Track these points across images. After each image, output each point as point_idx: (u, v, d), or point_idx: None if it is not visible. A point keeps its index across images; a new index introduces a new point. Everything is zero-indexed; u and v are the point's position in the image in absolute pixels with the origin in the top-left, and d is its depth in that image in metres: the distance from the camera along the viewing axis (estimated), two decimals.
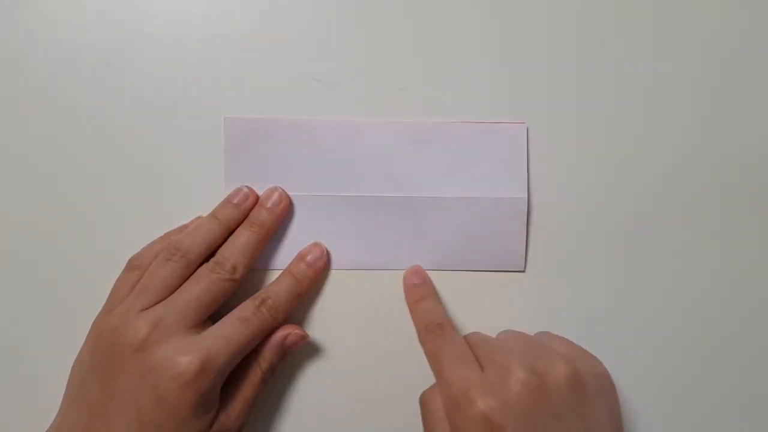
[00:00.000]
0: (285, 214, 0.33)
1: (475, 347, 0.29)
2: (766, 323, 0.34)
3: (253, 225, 0.31)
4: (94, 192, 0.33)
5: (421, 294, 0.32)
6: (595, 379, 0.27)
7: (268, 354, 0.31)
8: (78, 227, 0.33)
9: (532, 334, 0.31)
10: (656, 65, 0.34)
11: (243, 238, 0.31)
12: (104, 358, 0.28)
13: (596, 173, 0.34)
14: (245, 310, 0.30)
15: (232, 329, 0.29)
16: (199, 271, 0.30)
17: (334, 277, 0.34)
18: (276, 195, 0.32)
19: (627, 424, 0.33)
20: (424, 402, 0.29)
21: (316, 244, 0.33)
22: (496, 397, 0.25)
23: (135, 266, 0.31)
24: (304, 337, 0.31)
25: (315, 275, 0.32)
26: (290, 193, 0.33)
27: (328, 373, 0.33)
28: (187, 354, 0.27)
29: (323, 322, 0.33)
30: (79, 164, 0.33)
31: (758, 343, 0.34)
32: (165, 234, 0.32)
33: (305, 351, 0.33)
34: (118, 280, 0.31)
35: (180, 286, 0.29)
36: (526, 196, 0.33)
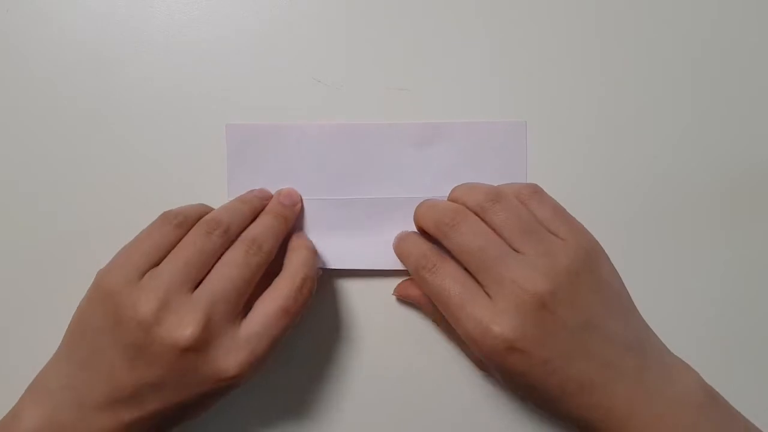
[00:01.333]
0: (299, 211, 0.33)
1: (469, 260, 0.28)
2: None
3: (278, 215, 0.31)
4: (96, 200, 0.33)
5: (399, 237, 0.32)
6: (592, 258, 0.29)
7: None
8: (79, 234, 0.33)
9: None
10: (657, 64, 0.34)
11: (270, 221, 0.30)
12: (126, 334, 0.26)
13: (596, 172, 0.34)
14: (233, 252, 0.28)
15: (222, 276, 0.27)
16: (236, 254, 0.28)
17: (338, 278, 0.34)
18: (294, 193, 0.33)
19: None
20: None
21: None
22: (510, 326, 0.26)
23: (179, 224, 0.28)
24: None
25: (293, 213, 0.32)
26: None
27: (334, 375, 0.33)
28: (237, 356, 0.26)
29: (327, 323, 0.34)
30: (80, 171, 0.33)
31: (759, 344, 0.34)
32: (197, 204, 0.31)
33: (308, 349, 0.33)
34: (152, 229, 0.28)
35: (215, 262, 0.28)
36: None
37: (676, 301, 0.34)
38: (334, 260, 0.33)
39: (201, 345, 0.25)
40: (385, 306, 0.34)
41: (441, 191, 0.33)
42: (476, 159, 0.34)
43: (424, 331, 0.34)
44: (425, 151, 0.33)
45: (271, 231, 0.30)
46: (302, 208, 0.33)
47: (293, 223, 0.32)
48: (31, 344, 0.33)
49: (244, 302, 0.27)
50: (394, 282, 0.33)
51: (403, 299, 0.33)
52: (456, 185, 0.32)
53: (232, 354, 0.26)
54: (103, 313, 0.26)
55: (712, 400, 0.27)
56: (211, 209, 0.31)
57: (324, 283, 0.34)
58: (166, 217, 0.29)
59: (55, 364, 0.28)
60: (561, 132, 0.34)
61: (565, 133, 0.34)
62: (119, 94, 0.33)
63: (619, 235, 0.34)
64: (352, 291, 0.34)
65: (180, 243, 0.28)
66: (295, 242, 0.31)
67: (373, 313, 0.34)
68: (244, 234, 0.29)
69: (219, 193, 0.33)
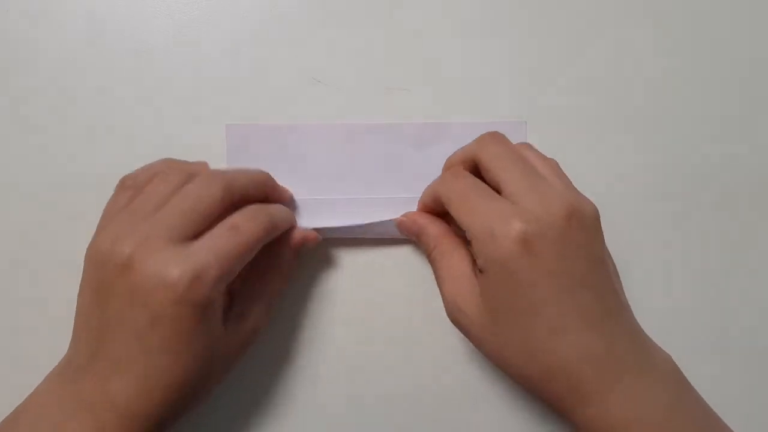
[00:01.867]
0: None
1: (503, 166, 0.28)
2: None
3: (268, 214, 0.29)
4: (96, 200, 0.33)
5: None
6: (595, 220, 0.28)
7: (287, 254, 0.30)
8: (77, 234, 0.33)
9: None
10: (657, 64, 0.34)
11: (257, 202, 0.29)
12: (96, 284, 0.25)
13: (596, 172, 0.34)
14: (236, 216, 0.27)
15: (219, 237, 0.26)
16: (187, 186, 0.27)
17: (339, 277, 0.34)
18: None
19: None
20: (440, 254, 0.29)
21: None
22: (536, 223, 0.25)
23: (128, 186, 0.28)
24: (317, 239, 0.32)
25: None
26: (293, 197, 0.33)
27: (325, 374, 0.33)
28: (177, 266, 0.24)
29: (326, 319, 0.34)
30: (80, 171, 0.33)
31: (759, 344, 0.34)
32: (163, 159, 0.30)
33: (301, 341, 0.33)
34: (108, 202, 0.29)
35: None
36: None
37: (676, 299, 0.34)
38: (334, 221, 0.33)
39: (137, 261, 0.24)
40: (384, 299, 0.34)
41: None
42: None
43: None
44: (425, 151, 0.33)
45: (253, 185, 0.29)
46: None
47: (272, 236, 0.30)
48: (28, 349, 0.33)
49: (198, 227, 0.26)
50: (394, 280, 0.34)
51: (404, 228, 0.32)
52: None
53: (172, 264, 0.24)
54: (86, 280, 0.26)
55: (685, 385, 0.27)
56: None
57: (323, 279, 0.34)
58: (120, 183, 0.29)
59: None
60: (561, 132, 0.34)
61: (565, 133, 0.34)
62: (119, 93, 0.33)
63: (620, 234, 0.34)
64: (352, 285, 0.34)
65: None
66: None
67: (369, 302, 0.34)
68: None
69: None
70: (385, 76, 0.34)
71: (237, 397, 0.33)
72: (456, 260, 0.29)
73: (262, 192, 0.30)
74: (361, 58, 0.34)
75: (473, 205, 0.27)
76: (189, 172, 0.28)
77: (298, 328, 0.33)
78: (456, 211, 0.28)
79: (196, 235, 0.26)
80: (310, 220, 0.33)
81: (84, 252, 0.27)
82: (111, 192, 0.32)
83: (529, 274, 0.25)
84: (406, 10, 0.34)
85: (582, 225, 0.26)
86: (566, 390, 0.25)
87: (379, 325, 0.34)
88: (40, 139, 0.33)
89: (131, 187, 0.28)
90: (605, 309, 0.26)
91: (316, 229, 0.32)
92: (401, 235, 0.33)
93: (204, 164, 0.31)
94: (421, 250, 0.33)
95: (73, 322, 0.27)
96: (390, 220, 0.33)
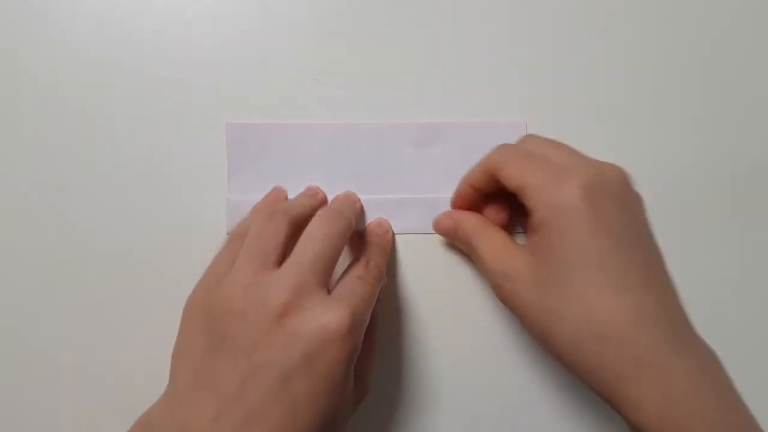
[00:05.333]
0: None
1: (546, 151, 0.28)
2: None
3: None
4: (96, 200, 0.33)
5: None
6: None
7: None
8: (79, 233, 0.33)
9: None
10: (657, 64, 0.34)
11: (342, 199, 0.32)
12: (228, 334, 0.24)
13: None
14: (357, 269, 0.28)
15: (354, 285, 0.27)
16: (310, 227, 0.27)
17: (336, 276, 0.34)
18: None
19: None
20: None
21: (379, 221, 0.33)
22: (595, 176, 0.25)
23: (238, 235, 0.28)
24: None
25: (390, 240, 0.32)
26: (293, 196, 0.33)
27: None
28: (336, 310, 0.24)
29: None
30: (79, 170, 0.33)
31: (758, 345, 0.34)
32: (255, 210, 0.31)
33: None
34: (218, 254, 0.28)
35: (288, 244, 0.27)
36: None
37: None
38: None
39: (294, 308, 0.24)
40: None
41: (441, 191, 0.33)
42: (476, 159, 0.33)
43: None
44: (425, 151, 0.33)
45: (348, 201, 0.32)
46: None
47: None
48: (31, 350, 0.33)
49: (332, 270, 0.27)
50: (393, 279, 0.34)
51: (441, 225, 0.32)
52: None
53: (328, 308, 0.24)
54: (202, 331, 0.25)
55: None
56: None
57: None
58: (230, 236, 0.29)
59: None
60: (561, 132, 0.34)
61: (565, 133, 0.34)
62: (119, 93, 0.33)
63: None
64: None
65: (247, 237, 0.27)
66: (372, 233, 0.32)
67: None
68: (321, 210, 0.29)
69: (219, 192, 0.33)
70: (385, 76, 0.34)
71: None
72: (497, 238, 0.29)
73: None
74: (361, 59, 0.34)
75: (533, 163, 0.27)
76: (284, 210, 0.28)
77: None
78: (514, 169, 0.27)
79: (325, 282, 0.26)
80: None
81: None
82: (110, 190, 0.32)
83: (591, 223, 0.24)
84: (406, 10, 0.34)
85: (632, 190, 0.27)
86: (618, 357, 0.23)
87: (384, 323, 0.34)
88: (40, 138, 0.33)
89: (240, 236, 0.28)
90: (660, 278, 0.25)
91: None
92: (403, 233, 0.33)
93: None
94: (459, 244, 0.32)
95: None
96: (392, 220, 0.33)
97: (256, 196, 0.33)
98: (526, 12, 0.34)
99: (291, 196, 0.33)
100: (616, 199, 0.26)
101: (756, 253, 0.34)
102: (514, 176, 0.27)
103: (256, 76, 0.34)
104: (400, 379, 0.33)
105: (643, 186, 0.34)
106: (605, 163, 0.27)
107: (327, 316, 0.24)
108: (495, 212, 0.31)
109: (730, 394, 0.24)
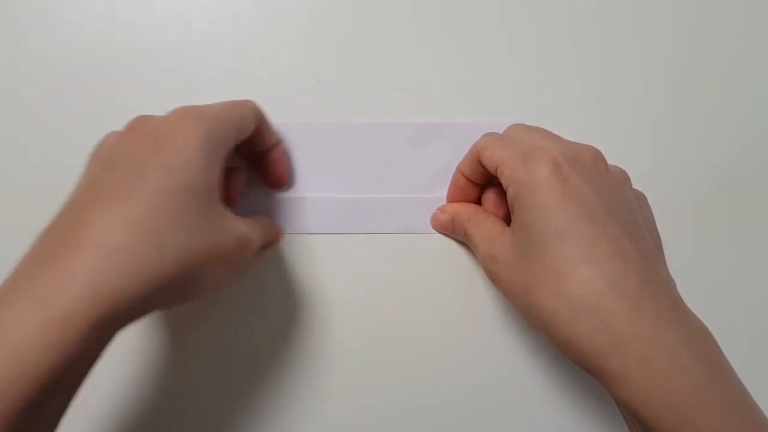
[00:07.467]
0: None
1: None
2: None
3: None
4: None
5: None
6: None
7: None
8: None
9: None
10: (658, 64, 0.34)
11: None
12: (113, 156, 0.27)
13: None
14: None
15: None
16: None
17: (336, 276, 0.34)
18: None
19: None
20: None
21: None
22: (565, 152, 0.26)
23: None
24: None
25: None
26: (292, 196, 0.33)
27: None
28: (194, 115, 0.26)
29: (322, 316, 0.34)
30: (79, 171, 0.34)
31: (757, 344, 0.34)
32: None
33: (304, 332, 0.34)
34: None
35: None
36: None
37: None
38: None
39: (162, 123, 0.26)
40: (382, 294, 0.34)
41: (439, 191, 0.33)
42: None
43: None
44: (424, 151, 0.34)
45: None
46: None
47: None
48: None
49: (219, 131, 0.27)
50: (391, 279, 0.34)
51: (437, 220, 0.33)
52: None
53: (186, 115, 0.26)
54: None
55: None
56: None
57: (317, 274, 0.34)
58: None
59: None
60: (561, 132, 0.34)
61: (565, 134, 0.34)
62: (118, 93, 0.34)
63: None
64: (348, 285, 0.34)
65: None
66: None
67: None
68: None
69: None
70: (384, 75, 0.34)
71: (230, 395, 0.33)
72: (490, 224, 0.30)
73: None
74: (361, 58, 0.34)
75: (508, 144, 0.28)
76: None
77: (295, 326, 0.34)
78: (492, 150, 0.28)
79: None
80: (307, 218, 0.33)
81: None
82: None
83: (559, 196, 0.25)
84: (405, 10, 0.34)
85: (607, 166, 0.27)
86: (592, 327, 0.23)
87: (378, 323, 0.34)
88: (40, 138, 0.34)
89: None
90: (638, 250, 0.24)
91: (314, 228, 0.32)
92: (399, 232, 0.33)
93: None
94: (456, 235, 0.33)
95: None
96: (388, 219, 0.33)
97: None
98: (524, 12, 0.34)
99: (289, 195, 0.33)
100: (588, 174, 0.26)
101: (756, 253, 0.34)
102: (491, 157, 0.28)
103: (256, 75, 0.34)
104: (400, 379, 0.33)
105: (643, 186, 0.34)
106: (579, 143, 0.28)
107: (181, 112, 0.26)
108: (495, 206, 0.31)
109: (721, 369, 0.23)
